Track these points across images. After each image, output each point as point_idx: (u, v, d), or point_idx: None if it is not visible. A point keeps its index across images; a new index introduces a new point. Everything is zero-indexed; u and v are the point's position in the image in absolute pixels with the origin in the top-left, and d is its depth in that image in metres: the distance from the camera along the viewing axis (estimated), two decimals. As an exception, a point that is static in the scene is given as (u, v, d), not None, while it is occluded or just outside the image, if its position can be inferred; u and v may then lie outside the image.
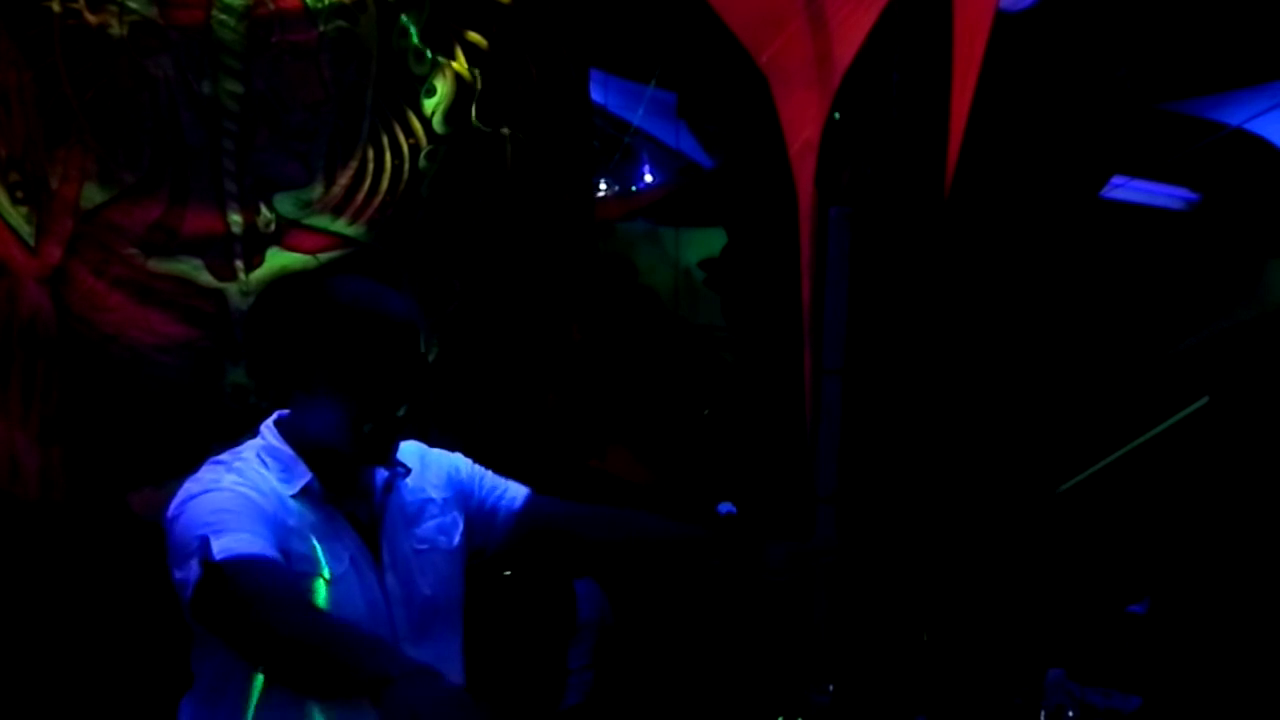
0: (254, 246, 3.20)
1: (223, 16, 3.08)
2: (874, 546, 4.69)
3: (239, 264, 3.20)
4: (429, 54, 3.34)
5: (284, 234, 3.22)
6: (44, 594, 3.29)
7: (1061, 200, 5.64)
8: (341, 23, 3.19)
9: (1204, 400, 5.29)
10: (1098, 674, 3.83)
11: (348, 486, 2.01)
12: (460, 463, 2.22)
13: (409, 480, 2.09)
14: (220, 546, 1.73)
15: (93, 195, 3.13)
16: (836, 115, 4.06)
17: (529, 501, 2.21)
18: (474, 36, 3.41)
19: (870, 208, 4.51)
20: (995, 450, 5.31)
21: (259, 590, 1.70)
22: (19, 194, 3.18)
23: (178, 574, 1.81)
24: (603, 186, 7.12)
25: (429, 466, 2.16)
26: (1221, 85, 5.47)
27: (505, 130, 3.53)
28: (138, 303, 3.17)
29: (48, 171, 3.13)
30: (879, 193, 4.64)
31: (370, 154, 3.28)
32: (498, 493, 2.21)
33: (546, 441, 3.73)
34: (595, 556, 2.58)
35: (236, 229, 3.17)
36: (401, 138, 3.31)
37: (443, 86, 3.36)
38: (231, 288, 3.20)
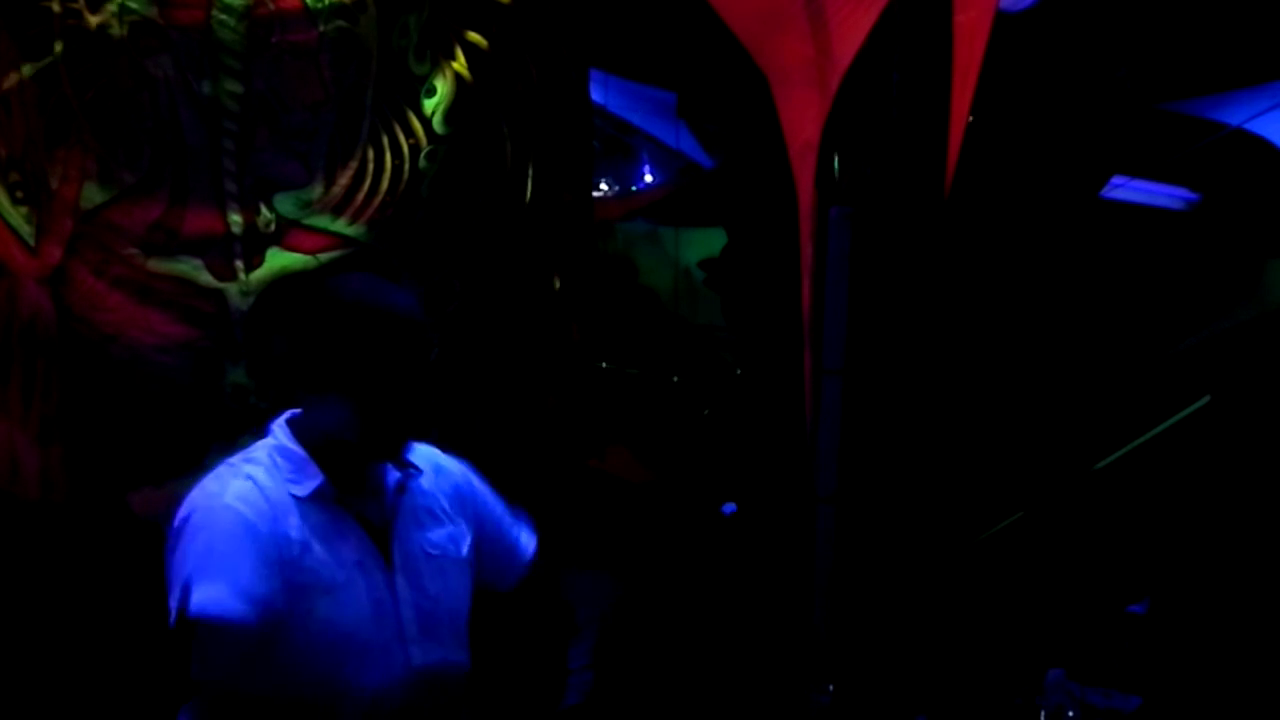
0: (254, 246, 3.19)
1: (223, 16, 3.08)
2: (874, 547, 4.69)
3: (239, 264, 3.19)
4: (429, 54, 3.33)
5: (284, 234, 3.21)
6: (44, 594, 3.29)
7: (1061, 200, 5.65)
8: (341, 23, 3.18)
9: (1204, 400, 5.29)
10: (1098, 674, 3.84)
11: (359, 486, 2.01)
12: (472, 479, 2.21)
13: (423, 483, 2.09)
14: (198, 600, 1.77)
15: (93, 195, 3.12)
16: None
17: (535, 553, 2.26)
18: (474, 36, 3.40)
19: (870, 208, 4.51)
20: (995, 450, 5.32)
21: (209, 661, 1.79)
22: (19, 194, 3.17)
23: (169, 599, 1.84)
24: (603, 186, 7.13)
25: (442, 474, 2.15)
26: (1221, 85, 5.47)
27: (505, 130, 3.52)
28: (138, 303, 3.16)
29: (48, 171, 3.12)
30: (879, 193, 4.64)
31: (370, 154, 3.27)
32: (511, 537, 2.24)
33: (546, 442, 3.72)
34: None
35: (236, 229, 3.16)
36: (401, 138, 3.30)
37: (443, 86, 3.35)
38: (231, 288, 3.19)
